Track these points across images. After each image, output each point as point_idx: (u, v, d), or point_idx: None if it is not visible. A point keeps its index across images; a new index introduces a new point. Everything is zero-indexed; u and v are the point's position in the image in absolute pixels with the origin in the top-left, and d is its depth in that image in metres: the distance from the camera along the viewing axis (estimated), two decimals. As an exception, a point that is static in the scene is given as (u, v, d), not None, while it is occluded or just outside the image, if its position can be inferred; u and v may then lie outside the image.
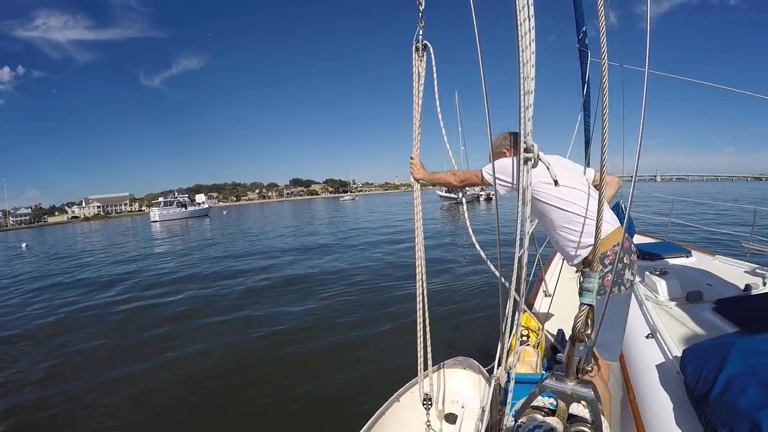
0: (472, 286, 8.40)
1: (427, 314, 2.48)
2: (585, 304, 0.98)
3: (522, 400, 0.87)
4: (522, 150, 1.22)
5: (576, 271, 2.07)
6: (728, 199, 25.29)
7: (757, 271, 3.13)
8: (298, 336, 6.50)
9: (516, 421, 0.80)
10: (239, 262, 14.63)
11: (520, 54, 1.20)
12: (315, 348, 5.93)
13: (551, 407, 0.83)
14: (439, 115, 2.31)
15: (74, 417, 4.75)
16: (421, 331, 2.49)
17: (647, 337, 2.15)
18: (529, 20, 1.17)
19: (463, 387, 3.03)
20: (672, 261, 3.61)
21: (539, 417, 0.79)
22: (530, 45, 1.17)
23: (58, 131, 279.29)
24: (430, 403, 2.62)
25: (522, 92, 1.20)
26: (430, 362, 2.63)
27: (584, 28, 6.41)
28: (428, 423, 2.60)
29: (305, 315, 7.53)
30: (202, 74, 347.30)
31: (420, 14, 2.11)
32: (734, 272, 3.21)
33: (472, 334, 5.62)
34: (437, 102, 2.28)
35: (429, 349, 2.56)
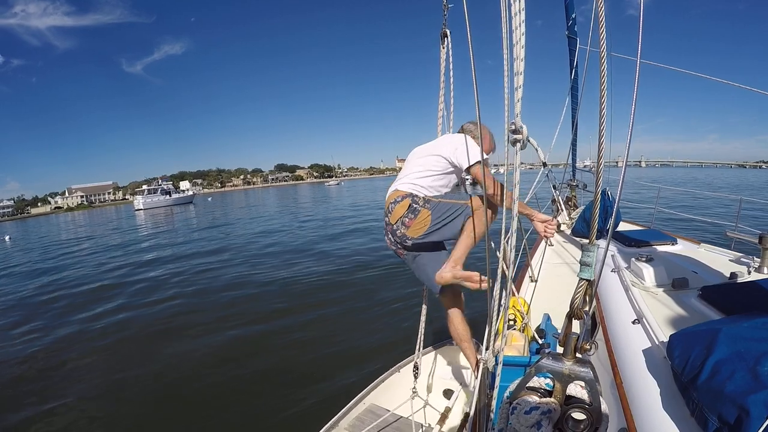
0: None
1: (426, 295, 2.96)
2: (584, 279, 0.94)
3: (517, 381, 0.83)
4: (510, 131, 1.21)
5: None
6: (713, 188, 25.63)
7: (741, 259, 3.16)
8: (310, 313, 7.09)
9: (511, 403, 0.76)
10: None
11: (511, 35, 1.20)
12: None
13: (548, 388, 0.79)
14: (452, 100, 2.43)
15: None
16: (424, 310, 2.93)
17: (633, 322, 2.16)
18: (519, 1, 1.15)
19: (462, 366, 3.33)
20: (658, 248, 3.63)
21: (535, 398, 0.76)
22: (520, 26, 1.17)
23: (38, 121, 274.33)
24: (417, 371, 3.00)
25: (512, 74, 1.20)
26: (421, 339, 3.02)
27: (573, 15, 6.39)
28: (414, 390, 3.00)
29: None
30: (184, 60, 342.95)
31: (444, 2, 2.14)
32: (720, 260, 3.24)
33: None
34: (451, 87, 2.38)
35: (422, 326, 2.99)
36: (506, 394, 0.79)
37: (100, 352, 6.35)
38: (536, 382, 0.80)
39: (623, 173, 1.19)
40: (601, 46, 1.05)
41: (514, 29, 1.18)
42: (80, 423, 4.49)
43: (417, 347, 3.08)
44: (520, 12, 1.17)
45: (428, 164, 2.40)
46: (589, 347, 0.83)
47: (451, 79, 2.41)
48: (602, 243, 3.92)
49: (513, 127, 1.20)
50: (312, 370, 4.98)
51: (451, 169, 2.39)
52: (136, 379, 5.26)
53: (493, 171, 2.19)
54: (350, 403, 2.98)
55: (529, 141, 1.23)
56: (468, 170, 2.27)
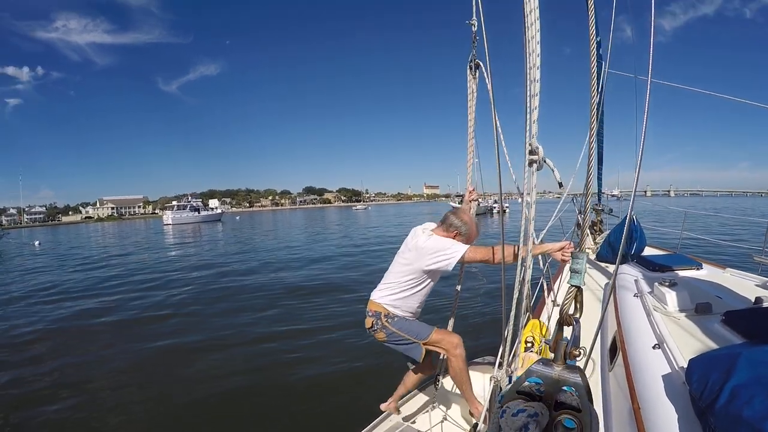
0: (487, 293, 8.55)
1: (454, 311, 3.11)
2: (573, 285, 0.97)
3: (509, 386, 0.84)
4: (527, 152, 1.22)
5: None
6: (740, 214, 24.91)
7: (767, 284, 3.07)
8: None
9: (502, 406, 0.77)
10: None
11: (527, 57, 1.23)
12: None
13: (538, 393, 0.80)
14: (498, 129, 2.30)
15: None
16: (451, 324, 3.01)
17: (654, 347, 2.12)
18: (535, 24, 1.19)
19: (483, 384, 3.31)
20: (682, 273, 3.56)
21: (525, 402, 0.77)
22: (536, 48, 1.20)
23: (74, 132, 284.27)
24: (438, 385, 3.11)
25: (528, 95, 1.23)
26: (443, 356, 2.93)
27: (598, 39, 6.41)
28: (434, 405, 3.19)
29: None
30: (218, 81, 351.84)
31: (473, 34, 2.18)
32: (745, 285, 3.15)
33: (490, 338, 5.64)
34: (495, 117, 2.29)
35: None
36: (498, 398, 0.81)
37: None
38: (527, 387, 0.81)
39: (633, 191, 1.19)
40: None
41: (530, 53, 1.22)
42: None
43: (439, 365, 3.10)
44: (536, 34, 1.20)
45: (404, 279, 2.62)
46: (578, 353, 0.85)
47: (493, 108, 2.39)
48: (625, 267, 3.86)
49: (530, 147, 1.21)
50: (335, 385, 5.10)
51: (429, 280, 2.63)
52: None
53: (519, 200, 2.21)
54: (375, 421, 3.03)
55: (545, 162, 1.24)
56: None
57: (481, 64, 2.30)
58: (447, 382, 3.28)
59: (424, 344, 2.66)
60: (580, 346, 0.88)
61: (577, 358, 0.85)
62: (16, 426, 4.60)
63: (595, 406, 2.43)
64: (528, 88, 1.22)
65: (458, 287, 3.16)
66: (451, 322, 3.13)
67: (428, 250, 2.50)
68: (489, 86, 1.74)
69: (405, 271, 2.61)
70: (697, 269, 3.65)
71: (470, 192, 3.04)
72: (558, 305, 3.99)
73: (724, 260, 5.12)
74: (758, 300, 2.63)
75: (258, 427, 4.36)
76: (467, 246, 2.46)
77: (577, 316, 0.96)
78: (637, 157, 1.11)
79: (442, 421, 3.19)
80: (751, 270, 3.62)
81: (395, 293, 2.65)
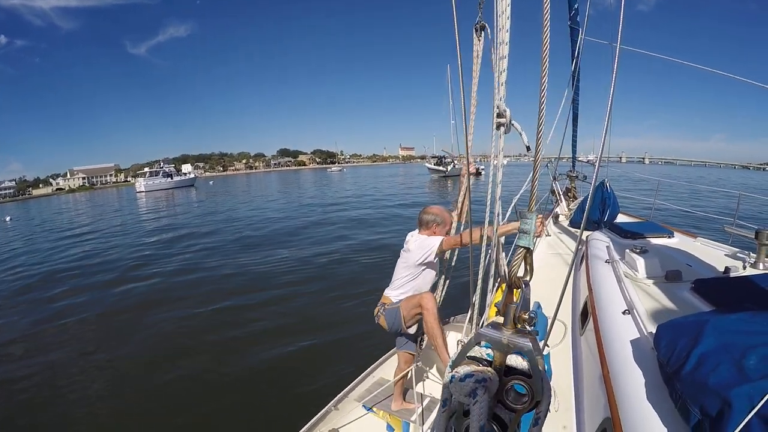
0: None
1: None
2: (521, 246, 0.94)
3: (458, 351, 0.82)
4: (495, 115, 1.20)
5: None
6: (713, 185, 25.58)
7: (738, 254, 3.12)
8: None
9: (452, 371, 0.74)
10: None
11: (495, 19, 1.22)
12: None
13: (488, 358, 0.77)
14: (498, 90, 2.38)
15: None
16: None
17: (624, 313, 2.14)
18: None
19: (461, 341, 3.44)
20: (653, 240, 3.60)
21: (474, 367, 0.74)
22: (506, 10, 1.19)
23: (41, 102, 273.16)
24: (421, 346, 3.39)
25: (497, 57, 1.22)
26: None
27: (576, 6, 6.31)
28: (418, 363, 3.40)
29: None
30: (189, 42, 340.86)
31: None
32: (715, 254, 3.21)
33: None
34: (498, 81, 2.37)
35: None
36: (449, 363, 0.78)
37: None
38: (477, 351, 0.78)
39: (598, 163, 1.16)
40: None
41: (500, 14, 1.21)
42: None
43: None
44: None
45: (404, 273, 3.16)
46: (527, 317, 0.82)
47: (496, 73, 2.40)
48: (597, 234, 3.89)
49: (497, 110, 1.19)
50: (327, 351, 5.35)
51: (424, 268, 3.14)
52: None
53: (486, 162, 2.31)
54: (359, 377, 3.41)
55: (513, 125, 1.22)
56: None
57: (486, 25, 2.27)
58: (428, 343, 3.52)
59: (403, 305, 3.09)
60: (531, 310, 0.85)
61: (526, 323, 0.82)
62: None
63: (565, 371, 2.49)
64: (497, 50, 1.23)
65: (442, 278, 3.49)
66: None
67: (416, 248, 3.09)
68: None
69: (403, 267, 3.17)
70: (669, 237, 3.70)
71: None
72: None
73: (696, 230, 5.21)
74: (727, 270, 2.67)
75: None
76: (441, 237, 3.05)
77: (527, 278, 0.94)
78: (605, 122, 1.07)
79: (423, 380, 3.50)
80: (721, 240, 3.68)
81: (400, 285, 3.19)
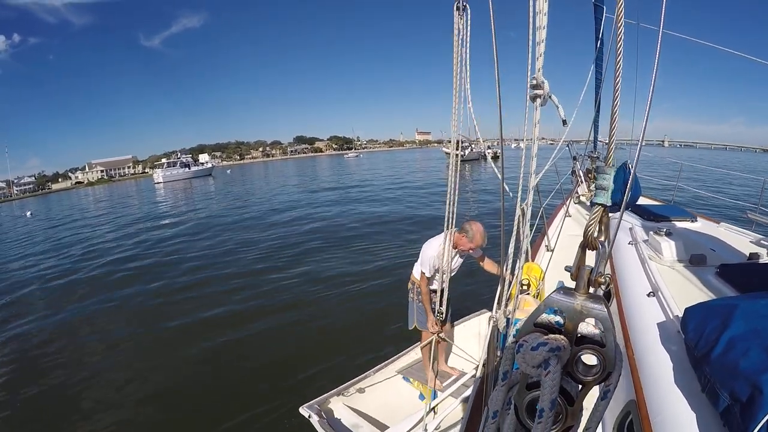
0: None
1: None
2: (598, 204, 0.84)
3: (525, 319, 0.75)
4: (529, 87, 1.16)
5: None
6: (735, 169, 24.95)
7: (762, 241, 3.07)
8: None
9: (517, 341, 0.68)
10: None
11: None
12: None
13: (557, 326, 0.70)
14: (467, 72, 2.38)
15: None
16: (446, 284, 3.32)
17: (648, 295, 2.12)
18: None
19: (480, 336, 4.02)
20: (677, 224, 3.55)
21: (543, 336, 0.68)
22: None
23: (57, 98, 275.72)
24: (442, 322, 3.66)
25: (534, 28, 1.16)
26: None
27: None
28: (435, 357, 3.68)
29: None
30: (202, 32, 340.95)
31: None
32: (739, 240, 3.16)
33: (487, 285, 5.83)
34: (467, 62, 2.36)
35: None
36: (512, 333, 0.73)
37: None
38: (545, 318, 0.71)
39: (639, 146, 1.12)
40: (617, 15, 0.97)
41: None
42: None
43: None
44: None
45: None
46: (603, 281, 0.75)
47: (467, 54, 2.39)
48: (618, 215, 3.84)
49: (534, 81, 1.14)
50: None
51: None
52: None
53: (513, 145, 2.26)
54: (401, 352, 3.97)
55: (550, 98, 1.17)
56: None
57: (467, 6, 2.22)
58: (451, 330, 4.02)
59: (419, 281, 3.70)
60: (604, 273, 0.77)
61: (602, 287, 0.75)
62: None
63: None
64: (534, 20, 1.17)
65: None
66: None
67: (424, 250, 3.59)
68: (492, 26, 1.67)
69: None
70: (692, 221, 3.64)
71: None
72: (551, 250, 4.00)
73: (718, 214, 5.11)
74: (753, 256, 2.63)
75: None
76: (426, 273, 3.58)
77: (602, 239, 0.83)
78: (646, 107, 1.03)
79: (449, 355, 3.96)
80: (744, 226, 3.62)
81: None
